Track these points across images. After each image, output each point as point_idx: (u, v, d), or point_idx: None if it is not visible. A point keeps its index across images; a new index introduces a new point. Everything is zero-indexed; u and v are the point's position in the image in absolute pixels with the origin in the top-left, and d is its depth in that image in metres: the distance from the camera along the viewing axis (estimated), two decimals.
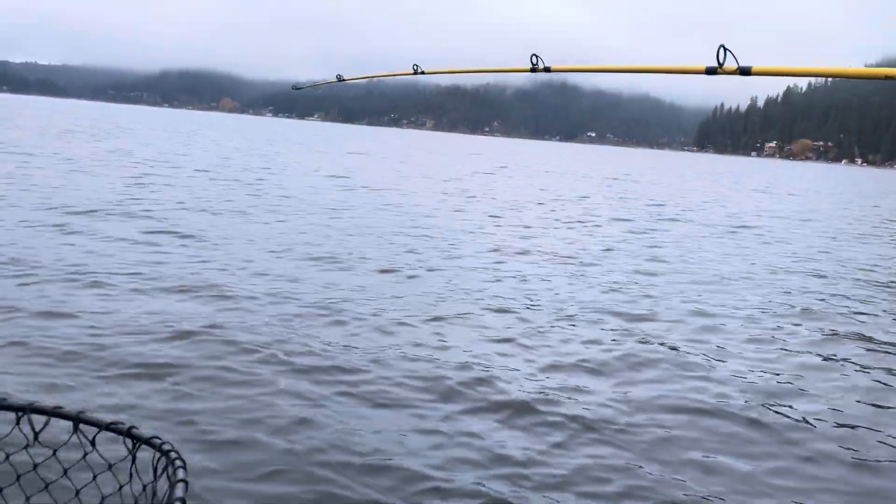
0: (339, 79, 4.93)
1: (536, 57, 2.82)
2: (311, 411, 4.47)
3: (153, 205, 13.22)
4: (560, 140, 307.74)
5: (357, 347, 5.81)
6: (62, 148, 25.84)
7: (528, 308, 7.65)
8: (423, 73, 3.77)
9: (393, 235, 12.10)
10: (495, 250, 11.41)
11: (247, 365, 5.19)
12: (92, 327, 5.75)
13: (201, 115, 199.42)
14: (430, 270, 9.32)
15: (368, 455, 3.98)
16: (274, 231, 11.61)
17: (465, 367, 5.53)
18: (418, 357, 5.70)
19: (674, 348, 6.53)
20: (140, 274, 7.69)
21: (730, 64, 1.88)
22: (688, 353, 6.43)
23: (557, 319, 7.26)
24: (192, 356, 5.29)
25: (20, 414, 1.35)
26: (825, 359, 6.65)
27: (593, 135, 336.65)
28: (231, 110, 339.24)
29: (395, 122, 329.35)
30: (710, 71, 1.95)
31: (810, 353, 6.81)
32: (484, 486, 3.74)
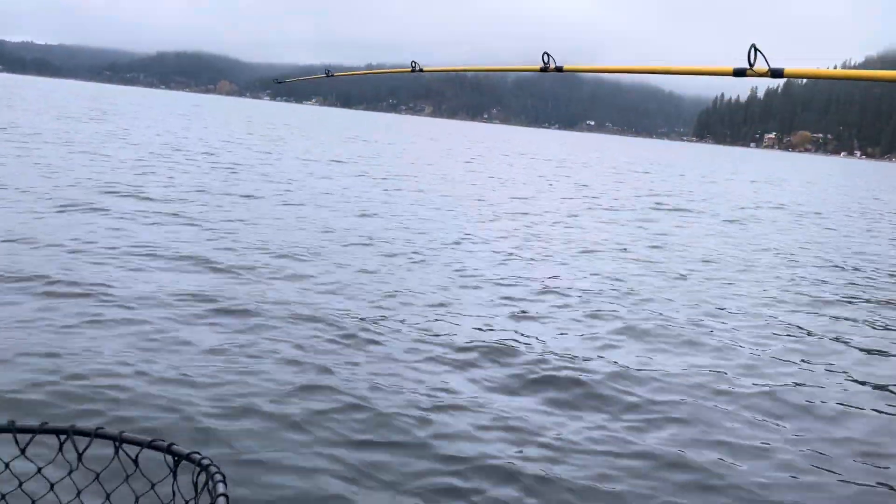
0: (328, 73, 4.81)
1: (548, 55, 2.69)
2: (316, 386, 4.52)
3: (155, 187, 13.18)
4: (559, 128, 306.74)
5: (363, 326, 5.84)
6: (61, 129, 25.68)
7: (532, 292, 7.69)
8: (421, 70, 3.52)
9: (395, 220, 12.08)
10: (498, 237, 11.42)
11: (252, 341, 5.24)
12: (96, 304, 5.79)
13: (198, 97, 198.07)
14: (433, 255, 9.34)
15: (373, 432, 4.03)
16: (276, 214, 11.58)
17: (468, 348, 5.58)
18: (423, 339, 5.74)
19: (677, 333, 6.58)
20: (142, 256, 7.70)
21: (760, 65, 1.81)
22: (691, 337, 6.49)
23: (561, 305, 7.30)
24: (199, 330, 5.33)
25: (63, 437, 1.33)
26: (827, 345, 6.71)
27: (592, 123, 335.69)
28: (228, 93, 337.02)
29: (394, 108, 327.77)
30: (739, 73, 1.85)
31: (813, 338, 6.86)
32: (489, 460, 3.79)
